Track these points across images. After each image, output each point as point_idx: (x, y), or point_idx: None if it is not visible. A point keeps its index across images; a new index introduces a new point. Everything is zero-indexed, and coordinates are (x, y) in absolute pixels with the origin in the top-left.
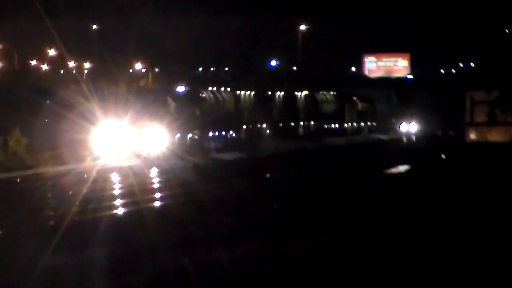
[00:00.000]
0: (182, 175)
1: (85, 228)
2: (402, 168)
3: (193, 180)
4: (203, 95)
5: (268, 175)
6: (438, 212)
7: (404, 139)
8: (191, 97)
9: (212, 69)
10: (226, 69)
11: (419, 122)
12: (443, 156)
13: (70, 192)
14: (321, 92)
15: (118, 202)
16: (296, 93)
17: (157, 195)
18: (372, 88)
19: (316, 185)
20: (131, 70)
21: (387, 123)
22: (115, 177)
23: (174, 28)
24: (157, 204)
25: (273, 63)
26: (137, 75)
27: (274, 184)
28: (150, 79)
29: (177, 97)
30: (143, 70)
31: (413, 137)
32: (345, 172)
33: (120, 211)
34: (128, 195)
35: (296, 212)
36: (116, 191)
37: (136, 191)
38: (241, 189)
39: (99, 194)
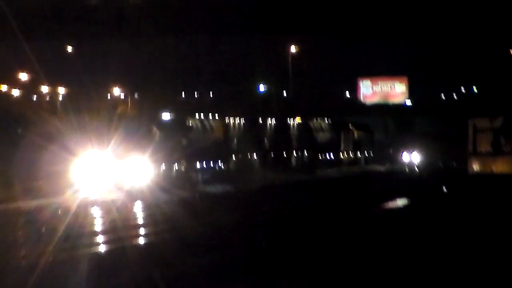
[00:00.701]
0: (168, 210)
1: (61, 268)
2: (400, 202)
3: (179, 215)
4: (190, 123)
5: (257, 210)
6: (435, 252)
7: (406, 169)
8: (177, 125)
9: (196, 94)
10: (211, 94)
11: (421, 152)
12: (444, 189)
13: (45, 229)
14: (315, 119)
15: (98, 239)
16: (288, 120)
17: (141, 231)
18: (367, 115)
19: (307, 221)
20: (109, 96)
21: (384, 153)
22: (96, 212)
23: (155, 51)
24: (140, 241)
25: (262, 88)
26: (116, 101)
27: (263, 219)
28: (129, 106)
29: (162, 125)
30: (122, 95)
31: (416, 168)
32: (339, 206)
33: (101, 248)
34: (109, 231)
35: (286, 250)
36: (97, 227)
37: (119, 227)
38: (229, 225)
39: (78, 231)
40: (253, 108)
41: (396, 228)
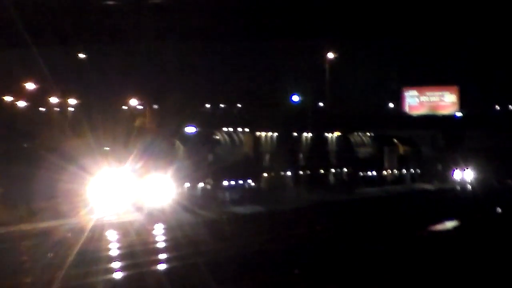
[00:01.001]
0: (191, 233)
1: None
2: (450, 224)
3: (204, 238)
4: (217, 137)
5: (290, 233)
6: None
7: (458, 188)
8: (203, 139)
9: (221, 105)
10: (239, 105)
11: (474, 168)
12: (498, 210)
13: (54, 253)
14: (355, 133)
15: (114, 265)
16: (326, 134)
17: (161, 256)
18: (413, 128)
19: (346, 244)
20: (125, 107)
21: (433, 170)
22: (112, 235)
23: (178, 58)
24: (160, 267)
25: (295, 98)
26: (134, 113)
27: (296, 243)
28: (148, 118)
29: (185, 139)
30: (139, 107)
31: (468, 186)
32: (382, 229)
33: (116, 276)
34: (126, 256)
35: (321, 278)
36: (113, 252)
37: (137, 252)
38: (259, 249)
39: (91, 256)
40: (287, 121)
41: (443, 254)
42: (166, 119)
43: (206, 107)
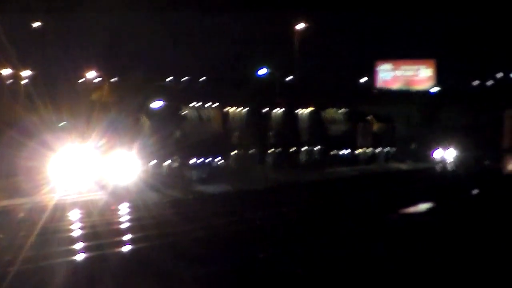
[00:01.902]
0: (157, 213)
1: (35, 279)
2: (423, 206)
3: (170, 218)
4: (184, 112)
5: (255, 215)
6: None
7: (438, 167)
8: (169, 115)
9: (186, 79)
10: (205, 79)
11: (456, 148)
12: (475, 191)
13: (13, 234)
14: (327, 109)
15: (75, 246)
16: (297, 110)
17: (126, 237)
18: (387, 104)
19: (312, 227)
20: (84, 80)
21: (407, 148)
22: (75, 215)
23: (137, 28)
24: (124, 249)
25: (262, 71)
26: (95, 86)
27: (263, 225)
28: (105, 91)
29: (151, 114)
30: (97, 79)
31: (449, 166)
32: (351, 211)
33: (77, 257)
34: (89, 237)
35: (286, 261)
36: (76, 232)
37: (100, 232)
38: (225, 231)
39: (51, 236)
40: (256, 96)
41: (411, 238)
42: (126, 93)
43: (169, 81)
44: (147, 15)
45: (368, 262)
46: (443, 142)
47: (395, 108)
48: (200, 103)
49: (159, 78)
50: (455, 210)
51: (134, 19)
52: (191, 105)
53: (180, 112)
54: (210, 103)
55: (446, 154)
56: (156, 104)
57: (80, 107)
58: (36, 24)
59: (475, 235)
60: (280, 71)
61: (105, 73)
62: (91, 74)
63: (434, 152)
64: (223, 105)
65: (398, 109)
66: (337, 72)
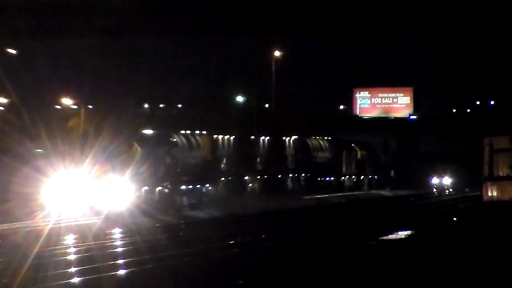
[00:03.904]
0: (150, 237)
1: None
2: (403, 233)
3: (162, 243)
4: (174, 139)
5: (243, 240)
6: None
7: (436, 193)
8: (160, 142)
9: (161, 105)
10: (183, 106)
11: (451, 175)
12: (454, 219)
13: (10, 258)
14: (313, 137)
15: (72, 270)
16: (283, 137)
17: (120, 261)
18: (364, 131)
19: (295, 253)
20: (57, 107)
21: (387, 175)
22: (69, 239)
23: (113, 54)
24: (120, 272)
25: (240, 98)
26: (66, 113)
27: (247, 250)
28: (81, 118)
29: (143, 141)
30: (74, 106)
31: (447, 191)
32: (333, 238)
33: (75, 281)
34: (85, 261)
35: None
36: (71, 256)
37: (95, 257)
38: (210, 256)
39: (48, 260)
40: (242, 123)
41: (391, 264)
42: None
43: (144, 108)
44: (124, 43)
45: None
46: (436, 170)
47: (373, 135)
48: (190, 131)
49: (136, 105)
50: (434, 237)
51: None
52: (182, 132)
53: (171, 139)
54: (200, 131)
55: (443, 181)
56: (147, 131)
57: (51, 133)
58: (12, 51)
59: (451, 262)
60: (257, 99)
61: (80, 100)
62: (66, 101)
63: (432, 179)
64: (211, 132)
65: (376, 136)
66: (315, 99)
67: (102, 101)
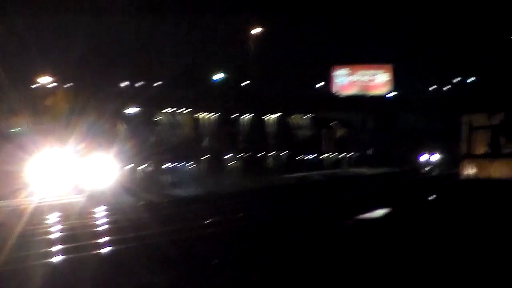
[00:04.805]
0: (134, 216)
1: (12, 281)
2: (379, 212)
3: (146, 221)
4: (158, 118)
5: (221, 218)
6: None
7: (425, 170)
8: (144, 120)
9: (139, 83)
10: (159, 83)
11: (440, 152)
12: (432, 196)
13: None
14: (294, 115)
15: (54, 248)
16: (264, 116)
17: (103, 240)
18: (343, 109)
19: (270, 232)
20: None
21: (365, 153)
22: (53, 218)
23: (88, 28)
24: (102, 250)
25: (217, 77)
26: (45, 91)
27: (224, 229)
28: (60, 96)
29: (127, 119)
30: (52, 84)
31: (435, 169)
32: (311, 216)
33: (56, 259)
34: (67, 239)
35: (243, 267)
36: (54, 235)
37: (79, 235)
38: (188, 236)
39: (30, 239)
40: (224, 102)
41: (363, 244)
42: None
43: (120, 85)
44: (101, 20)
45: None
46: (422, 147)
47: (352, 113)
48: (172, 110)
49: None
50: (410, 216)
51: (88, 23)
52: (165, 110)
53: (154, 117)
54: (183, 109)
55: (431, 158)
56: (132, 109)
57: (56, 111)
58: None
59: (428, 239)
60: (235, 77)
61: (58, 78)
62: (44, 79)
63: (421, 157)
64: (193, 111)
65: (354, 114)
66: (293, 77)
67: (81, 79)
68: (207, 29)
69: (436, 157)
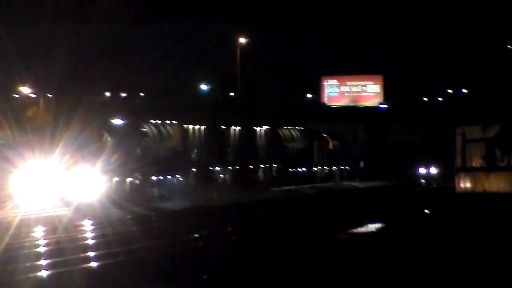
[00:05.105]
0: (121, 229)
1: None
2: (373, 226)
3: (133, 235)
4: (144, 129)
5: (209, 232)
6: None
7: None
8: (131, 132)
9: (123, 94)
10: (145, 94)
11: (438, 164)
12: (426, 211)
13: None
14: (285, 127)
15: (41, 262)
16: (254, 127)
17: (90, 254)
18: (334, 121)
19: (265, 246)
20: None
21: (357, 166)
22: (39, 231)
23: (76, 44)
24: (90, 265)
25: (204, 87)
26: (25, 102)
27: (212, 244)
28: (41, 107)
29: (113, 131)
30: (32, 95)
31: (434, 181)
32: (303, 231)
33: (43, 274)
34: (55, 253)
35: (233, 284)
36: (41, 249)
37: (66, 249)
38: (177, 250)
39: (18, 253)
40: (214, 113)
41: (356, 260)
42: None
43: (105, 95)
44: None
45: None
46: (416, 160)
47: (342, 125)
48: (159, 121)
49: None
50: (404, 231)
51: (70, 33)
52: (152, 121)
53: (141, 129)
54: (170, 120)
55: (430, 170)
56: (118, 121)
57: (38, 122)
58: None
59: (421, 257)
60: (221, 87)
61: (39, 89)
62: (24, 90)
63: (420, 169)
64: (181, 122)
65: (345, 126)
66: (282, 88)
67: (63, 90)
68: (194, 38)
69: (433, 170)
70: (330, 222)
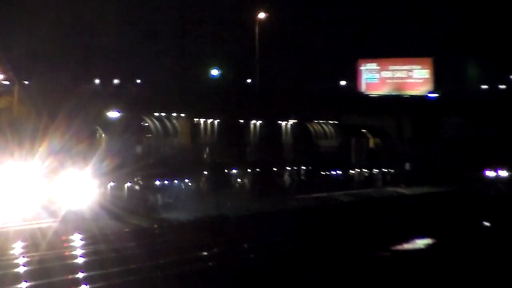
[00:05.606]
0: (118, 245)
1: None
2: (421, 242)
3: (133, 252)
4: (146, 124)
5: (223, 249)
6: None
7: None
8: (129, 127)
9: (116, 81)
10: (146, 80)
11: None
12: (485, 223)
13: None
14: (315, 121)
15: (22, 286)
16: (279, 122)
17: (80, 275)
18: (373, 113)
19: (293, 265)
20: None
21: (402, 167)
22: (18, 247)
23: (58, 19)
24: None
25: (215, 72)
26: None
27: (226, 264)
28: (15, 96)
29: (108, 126)
30: (5, 82)
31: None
32: (337, 247)
33: None
34: (38, 275)
35: None
36: (20, 269)
37: (51, 269)
38: (184, 270)
39: None
40: (230, 104)
41: (403, 283)
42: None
43: (94, 83)
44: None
45: None
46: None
47: (382, 118)
48: (164, 113)
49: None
50: (459, 248)
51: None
52: (155, 114)
53: (142, 123)
54: (177, 113)
55: (500, 173)
56: (113, 114)
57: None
58: None
59: (478, 281)
60: (236, 73)
61: (13, 76)
62: None
63: (486, 172)
64: (191, 115)
65: (386, 119)
66: (309, 73)
67: (45, 77)
68: (204, 11)
69: (503, 172)
70: (369, 237)
